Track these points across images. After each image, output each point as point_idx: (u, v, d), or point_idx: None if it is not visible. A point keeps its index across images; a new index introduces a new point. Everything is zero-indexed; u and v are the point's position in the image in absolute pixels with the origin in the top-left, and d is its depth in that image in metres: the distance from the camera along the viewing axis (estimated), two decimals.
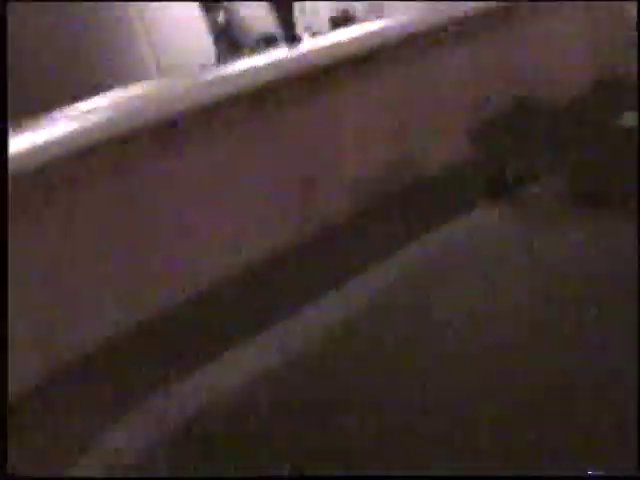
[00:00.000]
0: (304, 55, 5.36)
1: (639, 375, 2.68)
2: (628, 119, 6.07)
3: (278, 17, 8.02)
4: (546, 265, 4.12)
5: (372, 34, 5.88)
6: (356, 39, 5.75)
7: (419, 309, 3.87)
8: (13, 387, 2.92)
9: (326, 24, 9.86)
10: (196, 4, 7.62)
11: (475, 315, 3.72)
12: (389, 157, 5.75)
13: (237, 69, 5.10)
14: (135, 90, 5.16)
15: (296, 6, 8.19)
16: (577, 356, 3.20)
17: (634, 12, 6.99)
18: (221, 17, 9.19)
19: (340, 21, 9.73)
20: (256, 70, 4.93)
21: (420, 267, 4.44)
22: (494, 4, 6.59)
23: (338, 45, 5.70)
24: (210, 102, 4.24)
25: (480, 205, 5.11)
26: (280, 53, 6.17)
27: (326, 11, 10.10)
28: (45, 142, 3.37)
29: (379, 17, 9.55)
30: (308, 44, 8.09)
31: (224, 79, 4.63)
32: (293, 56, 5.39)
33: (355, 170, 5.55)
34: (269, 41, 9.41)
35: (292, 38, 8.04)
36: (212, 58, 8.26)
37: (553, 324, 3.48)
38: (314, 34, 8.45)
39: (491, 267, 4.26)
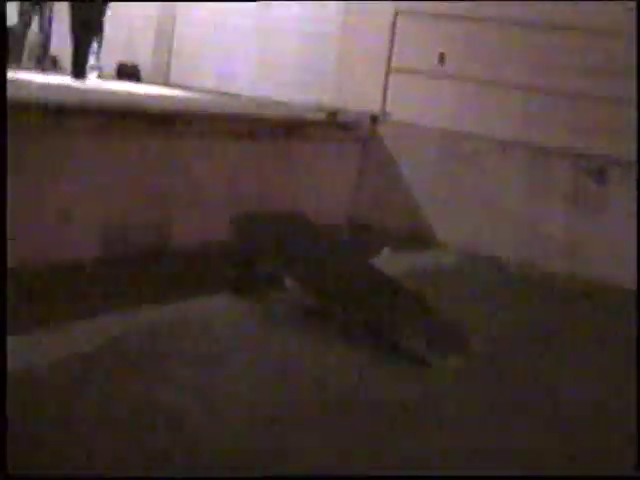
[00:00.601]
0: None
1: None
2: (386, 252, 6.63)
3: (75, 49, 8.01)
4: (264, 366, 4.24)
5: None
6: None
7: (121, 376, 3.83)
8: None
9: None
10: None
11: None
12: (146, 217, 5.77)
13: None
14: None
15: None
16: None
17: None
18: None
19: (127, 70, 9.80)
20: None
21: (145, 335, 4.39)
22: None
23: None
24: None
25: (223, 291, 5.19)
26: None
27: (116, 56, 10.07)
28: None
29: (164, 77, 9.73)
30: (92, 83, 8.07)
31: None
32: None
33: (107, 218, 5.51)
34: (54, 62, 9.37)
35: (80, 72, 8.03)
36: None
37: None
38: (100, 76, 8.46)
39: (211, 354, 4.30)
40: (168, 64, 10.90)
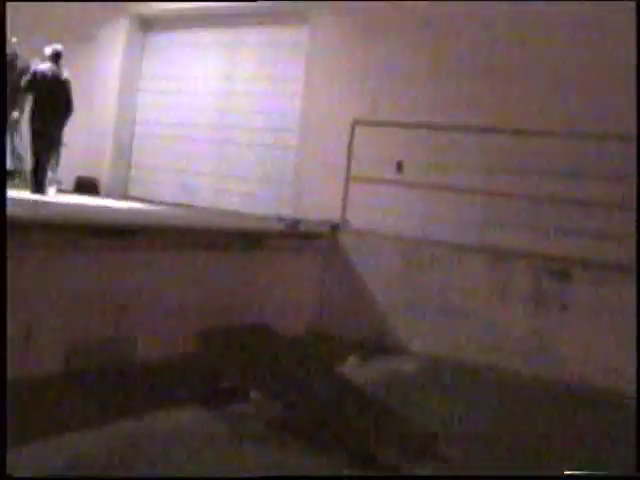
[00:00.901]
0: None
1: None
2: (352, 361, 6.56)
3: (34, 163, 8.04)
4: None
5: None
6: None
7: None
8: None
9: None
10: None
11: None
12: (111, 330, 5.65)
13: None
14: None
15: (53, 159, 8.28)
16: None
17: None
18: None
19: (85, 184, 9.85)
20: None
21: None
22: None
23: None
24: None
25: (190, 404, 5.07)
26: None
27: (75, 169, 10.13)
28: None
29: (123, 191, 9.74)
30: (51, 197, 8.04)
31: None
32: None
33: (70, 334, 5.38)
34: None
35: (39, 187, 8.02)
36: None
37: None
38: (60, 190, 8.46)
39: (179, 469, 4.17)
40: (127, 177, 10.96)
